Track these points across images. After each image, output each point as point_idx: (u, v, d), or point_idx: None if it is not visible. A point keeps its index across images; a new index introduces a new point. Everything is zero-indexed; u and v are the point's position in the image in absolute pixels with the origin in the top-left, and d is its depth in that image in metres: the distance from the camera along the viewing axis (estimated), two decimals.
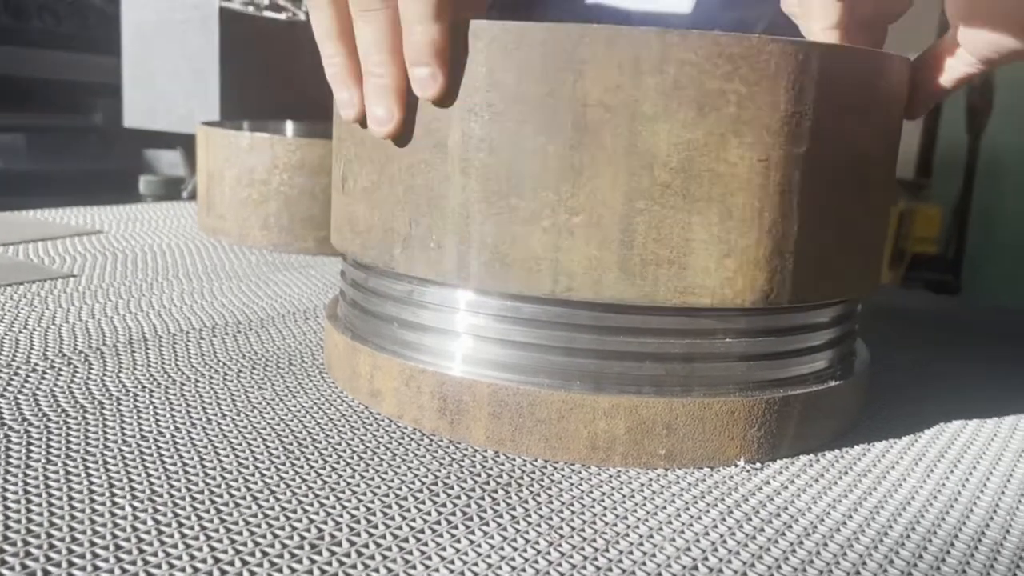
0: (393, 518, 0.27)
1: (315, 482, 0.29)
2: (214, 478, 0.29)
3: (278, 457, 0.31)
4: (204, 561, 0.24)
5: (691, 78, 0.29)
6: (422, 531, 0.26)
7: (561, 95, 0.30)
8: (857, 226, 0.34)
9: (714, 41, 0.29)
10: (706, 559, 0.26)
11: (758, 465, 0.33)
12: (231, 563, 0.24)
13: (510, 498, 0.29)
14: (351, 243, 0.36)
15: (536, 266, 0.31)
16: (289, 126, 0.82)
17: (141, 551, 0.24)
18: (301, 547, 0.25)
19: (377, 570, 0.24)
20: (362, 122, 0.34)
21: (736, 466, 0.33)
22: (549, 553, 0.26)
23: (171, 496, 0.27)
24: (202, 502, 0.27)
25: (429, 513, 0.28)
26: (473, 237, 0.32)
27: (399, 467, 0.31)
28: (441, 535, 0.26)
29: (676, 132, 0.30)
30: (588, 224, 0.30)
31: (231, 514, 0.26)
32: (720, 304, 0.31)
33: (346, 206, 0.37)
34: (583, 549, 0.26)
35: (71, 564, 0.23)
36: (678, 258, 0.31)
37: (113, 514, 0.26)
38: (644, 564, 0.26)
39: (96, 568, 0.23)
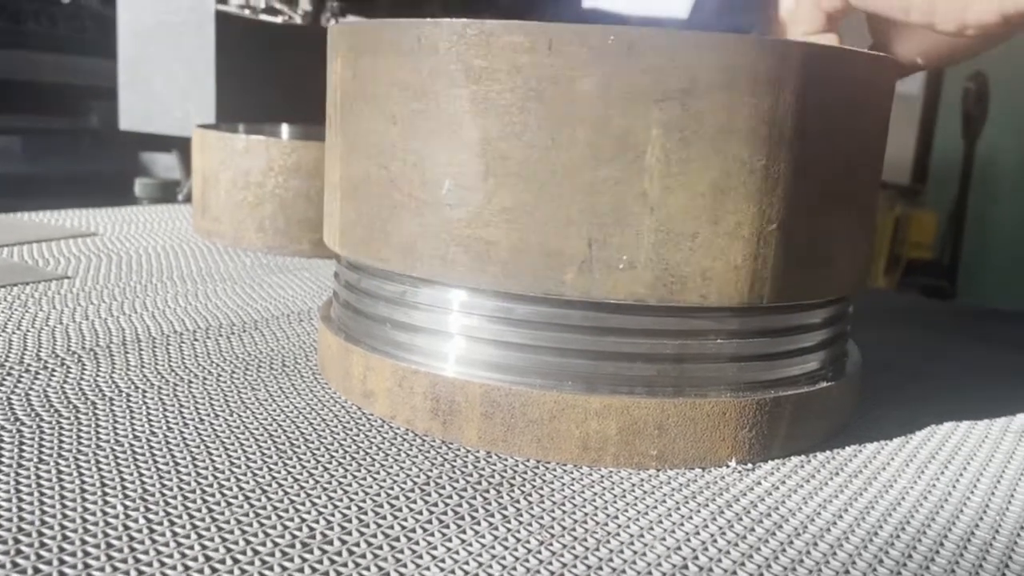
0: (384, 517, 0.27)
1: (307, 481, 0.29)
2: (206, 477, 0.29)
3: (270, 457, 0.31)
4: (195, 559, 0.24)
5: (860, 93, 0.33)
6: (413, 530, 0.27)
7: (768, 110, 0.30)
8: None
9: (880, 60, 0.35)
10: (696, 558, 0.26)
11: (749, 466, 0.33)
12: (222, 561, 0.24)
13: (501, 498, 0.29)
14: (477, 272, 0.32)
15: (736, 276, 0.31)
16: (284, 129, 0.82)
17: (132, 550, 0.24)
18: (292, 546, 0.25)
19: (368, 569, 0.24)
20: None
21: (727, 467, 0.33)
22: (540, 552, 0.26)
23: (163, 495, 0.27)
24: (194, 501, 0.27)
25: (420, 513, 0.28)
26: (672, 253, 0.31)
27: (391, 467, 0.31)
28: (432, 534, 0.26)
29: (842, 143, 0.33)
30: (781, 231, 0.32)
31: (223, 513, 0.27)
32: (850, 294, 0.34)
33: (460, 229, 0.32)
34: (574, 548, 0.26)
35: (62, 563, 0.23)
36: (831, 257, 0.34)
37: (105, 513, 0.26)
38: (634, 563, 0.26)
39: (87, 567, 0.23)
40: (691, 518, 0.29)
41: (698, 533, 0.28)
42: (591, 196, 0.31)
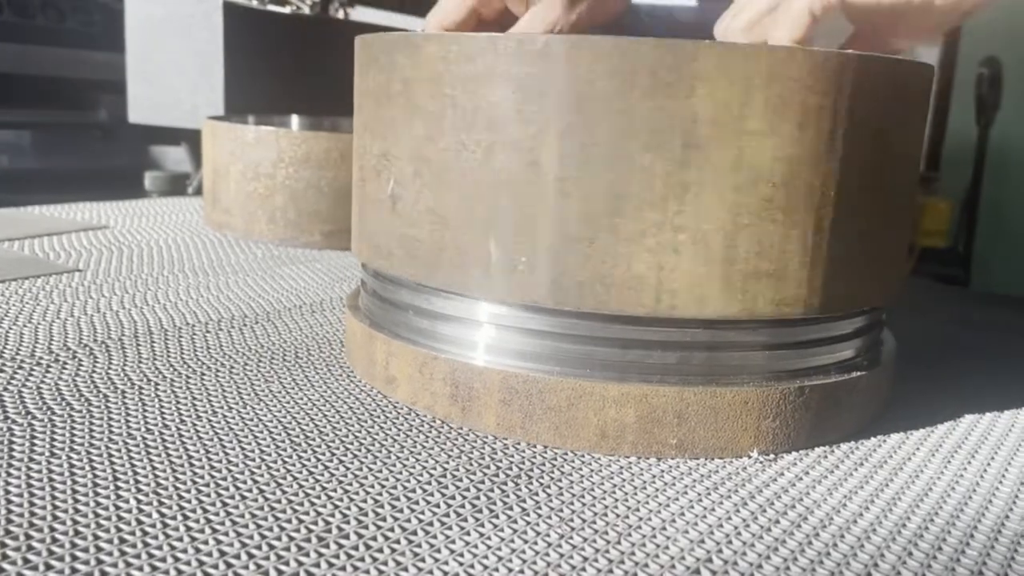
0: (401, 511, 0.27)
1: (322, 475, 0.29)
2: (220, 471, 0.28)
3: (284, 450, 0.30)
4: (209, 555, 0.23)
5: (795, 94, 0.29)
6: (431, 523, 0.26)
7: (672, 111, 0.29)
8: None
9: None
10: (720, 551, 0.26)
11: (772, 456, 0.33)
12: (236, 556, 0.23)
13: (520, 490, 0.29)
14: (409, 267, 0.34)
15: (638, 285, 0.30)
16: (294, 120, 0.82)
17: (146, 545, 0.24)
18: (308, 540, 0.25)
19: (385, 563, 0.24)
20: None
21: (749, 457, 0.32)
22: (560, 545, 0.25)
23: (176, 490, 0.27)
24: (208, 495, 0.27)
25: (438, 505, 0.27)
26: (570, 258, 0.30)
27: (407, 459, 0.30)
28: (450, 527, 0.26)
29: (780, 148, 0.30)
30: (693, 241, 0.30)
31: (237, 507, 0.26)
32: (808, 314, 0.32)
33: (399, 228, 0.34)
34: (595, 541, 0.26)
35: (74, 558, 0.23)
36: (777, 271, 0.31)
37: (117, 508, 0.25)
38: (657, 556, 0.25)
39: (100, 562, 0.23)
40: (714, 510, 0.28)
41: (721, 525, 0.27)
42: (496, 199, 0.31)
